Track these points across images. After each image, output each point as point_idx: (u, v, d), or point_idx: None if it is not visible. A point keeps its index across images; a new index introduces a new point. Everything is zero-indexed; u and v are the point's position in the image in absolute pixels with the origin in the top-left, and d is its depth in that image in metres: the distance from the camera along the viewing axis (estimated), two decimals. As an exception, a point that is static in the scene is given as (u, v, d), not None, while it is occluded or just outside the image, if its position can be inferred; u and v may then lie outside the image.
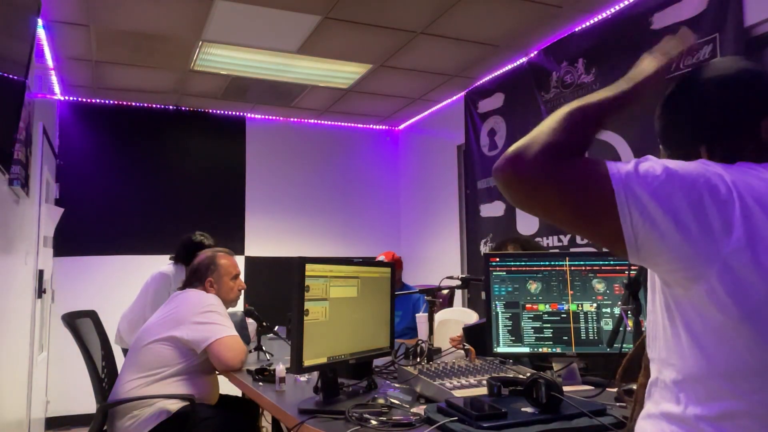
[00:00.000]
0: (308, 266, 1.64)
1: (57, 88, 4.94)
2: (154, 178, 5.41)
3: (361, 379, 1.88)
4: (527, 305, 1.96)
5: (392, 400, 1.61)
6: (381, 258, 3.92)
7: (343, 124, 6.09)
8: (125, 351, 2.75)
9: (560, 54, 3.98)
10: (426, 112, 5.74)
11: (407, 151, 6.21)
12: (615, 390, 1.58)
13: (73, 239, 4.97)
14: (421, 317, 2.75)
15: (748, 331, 0.80)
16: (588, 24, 3.76)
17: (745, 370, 0.81)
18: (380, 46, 4.11)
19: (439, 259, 5.48)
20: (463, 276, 2.56)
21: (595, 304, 1.93)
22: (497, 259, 2.00)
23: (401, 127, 6.26)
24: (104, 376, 2.53)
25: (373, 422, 1.40)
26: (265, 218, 5.75)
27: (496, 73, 4.64)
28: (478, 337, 2.18)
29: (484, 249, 4.69)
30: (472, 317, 3.54)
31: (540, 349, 1.94)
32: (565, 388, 1.49)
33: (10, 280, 3.10)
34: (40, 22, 3.55)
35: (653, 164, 0.86)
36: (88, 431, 2.39)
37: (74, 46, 4.07)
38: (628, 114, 0.98)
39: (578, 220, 0.90)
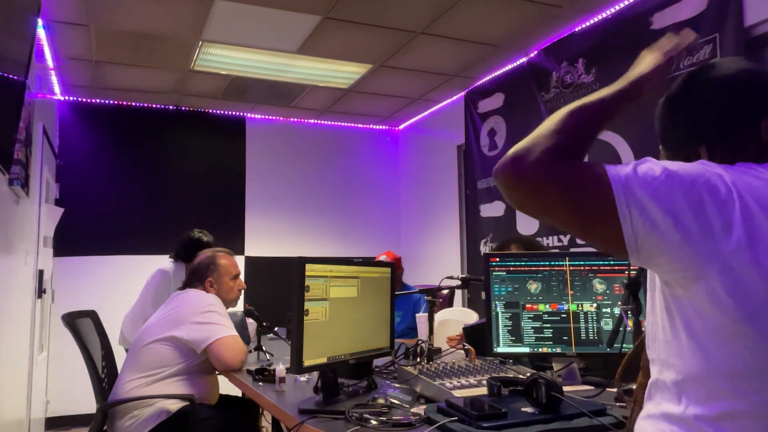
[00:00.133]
0: (308, 266, 1.64)
1: (57, 88, 4.94)
2: (154, 178, 5.41)
3: (361, 379, 1.88)
4: (527, 305, 1.96)
5: (392, 400, 1.61)
6: (382, 258, 3.92)
7: (343, 124, 6.09)
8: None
9: (560, 54, 3.98)
10: (426, 112, 5.74)
11: (407, 151, 6.21)
12: (615, 390, 1.58)
13: (73, 239, 4.97)
14: (421, 317, 2.75)
15: (748, 331, 0.80)
16: (588, 24, 3.76)
17: (745, 371, 0.81)
18: (380, 46, 4.11)
19: (439, 259, 5.48)
20: (463, 276, 2.56)
21: (595, 304, 1.93)
22: (497, 259, 2.01)
23: (401, 127, 6.26)
24: (104, 376, 2.53)
25: (373, 422, 1.40)
26: (265, 218, 5.75)
27: (496, 73, 4.64)
28: (478, 337, 2.18)
29: (484, 249, 4.69)
30: (472, 317, 3.54)
31: (540, 349, 1.94)
32: (565, 388, 1.49)
33: (10, 280, 3.10)
34: (40, 22, 3.55)
35: (652, 165, 0.86)
36: (88, 431, 2.39)
37: (74, 46, 4.07)
38: (629, 113, 0.98)
39: (578, 222, 0.90)
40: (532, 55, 4.24)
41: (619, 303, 1.82)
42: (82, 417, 4.52)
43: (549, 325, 1.94)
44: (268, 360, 2.50)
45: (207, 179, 5.58)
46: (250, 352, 2.59)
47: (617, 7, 3.53)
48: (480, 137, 4.83)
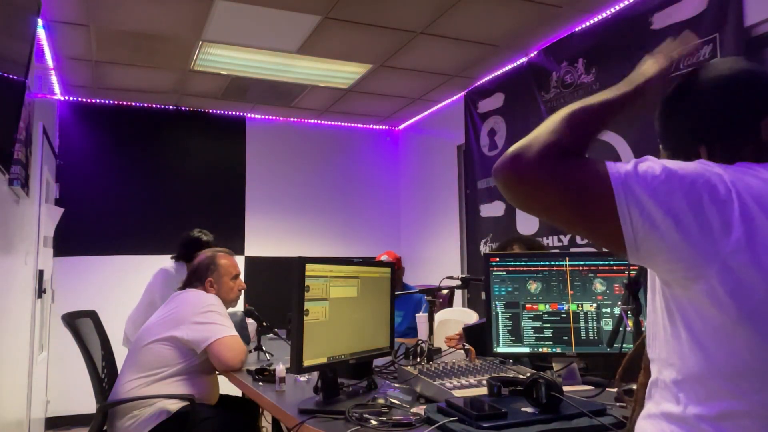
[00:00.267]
0: (308, 266, 1.64)
1: (57, 88, 4.94)
2: (154, 178, 5.41)
3: (361, 379, 1.88)
4: (527, 305, 1.96)
5: (392, 400, 1.61)
6: (384, 258, 3.92)
7: (343, 124, 6.09)
8: None
9: (560, 54, 3.98)
10: (426, 112, 5.74)
11: (407, 151, 6.21)
12: (615, 390, 1.58)
13: (73, 239, 4.97)
14: (421, 317, 2.75)
15: (748, 330, 0.80)
16: (588, 24, 3.76)
17: (746, 370, 0.81)
18: (380, 46, 4.11)
19: (439, 259, 5.48)
20: (463, 276, 2.56)
21: (595, 304, 1.93)
22: (497, 259, 2.00)
23: (401, 127, 6.26)
24: (104, 376, 2.53)
25: (373, 422, 1.40)
26: (265, 218, 5.75)
27: (496, 73, 4.64)
28: (478, 337, 2.18)
29: (484, 249, 4.69)
30: (472, 317, 3.54)
31: (540, 349, 1.94)
32: (565, 388, 1.49)
33: (10, 280, 3.10)
34: (40, 22, 3.55)
35: (652, 164, 0.86)
36: (88, 431, 2.39)
37: (74, 46, 4.07)
38: (630, 116, 0.98)
39: (578, 220, 0.90)
40: (532, 55, 4.24)
41: (619, 303, 1.82)
42: (82, 417, 4.52)
43: (549, 325, 1.94)
44: (268, 360, 2.50)
45: (207, 179, 5.58)
46: (250, 352, 2.59)
47: (617, 7, 3.53)
48: (480, 137, 4.83)
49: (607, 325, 1.91)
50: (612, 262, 1.94)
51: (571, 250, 3.77)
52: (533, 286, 1.96)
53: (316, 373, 1.83)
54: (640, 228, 0.83)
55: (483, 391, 1.58)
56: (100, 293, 4.86)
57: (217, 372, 2.44)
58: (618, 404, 1.54)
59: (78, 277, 5.00)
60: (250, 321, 2.96)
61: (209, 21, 3.71)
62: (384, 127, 6.27)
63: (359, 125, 6.17)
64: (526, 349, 1.94)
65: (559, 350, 1.92)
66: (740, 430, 0.81)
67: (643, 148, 3.27)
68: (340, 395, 1.72)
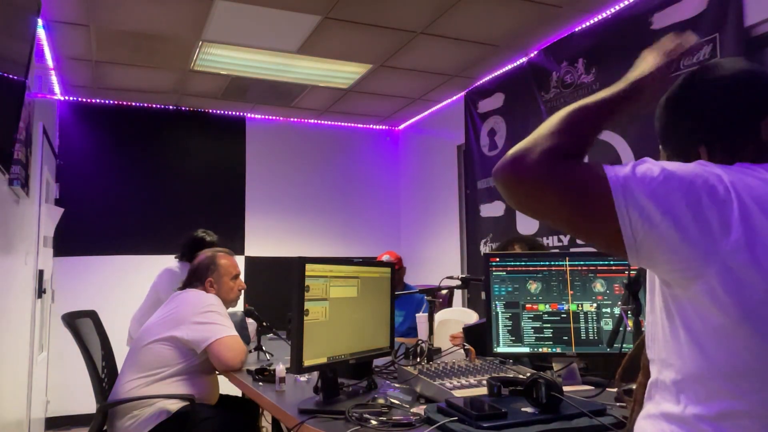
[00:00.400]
0: (308, 266, 1.64)
1: (57, 88, 4.94)
2: (154, 178, 5.41)
3: (361, 379, 1.88)
4: (527, 305, 1.96)
5: (392, 400, 1.61)
6: (385, 257, 3.92)
7: (343, 124, 6.09)
8: None
9: (560, 54, 3.98)
10: (426, 112, 5.74)
11: (407, 151, 6.21)
12: (615, 390, 1.58)
13: (73, 239, 4.97)
14: (421, 317, 2.75)
15: (748, 331, 0.80)
16: (588, 24, 3.76)
17: (745, 370, 0.81)
18: (380, 46, 4.11)
19: (439, 259, 5.48)
20: (463, 276, 2.56)
21: (595, 304, 1.93)
22: (497, 259, 2.01)
23: (401, 127, 6.26)
24: (104, 376, 2.53)
25: (373, 422, 1.40)
26: (265, 218, 5.75)
27: (496, 73, 4.64)
28: (478, 337, 2.18)
29: (484, 249, 4.70)
30: (472, 317, 3.54)
31: (540, 349, 1.94)
32: (565, 388, 1.49)
33: (10, 280, 3.10)
34: (40, 22, 3.55)
35: (651, 166, 0.86)
36: (87, 431, 2.39)
37: (74, 46, 4.07)
38: (629, 114, 0.98)
39: (577, 222, 0.90)
40: (532, 55, 4.24)
41: (619, 303, 1.82)
42: (82, 417, 4.52)
43: (549, 325, 1.94)
44: (268, 360, 2.50)
45: (207, 179, 5.58)
46: (250, 352, 2.59)
47: (617, 7, 3.53)
48: (480, 137, 4.83)
49: (607, 325, 1.91)
50: (612, 263, 1.94)
51: (571, 250, 3.77)
52: (533, 286, 1.96)
53: (316, 373, 1.83)
54: (639, 229, 0.84)
55: (483, 391, 1.58)
56: (100, 293, 4.86)
57: (217, 372, 2.44)
58: (618, 404, 1.54)
59: (78, 277, 5.00)
60: (250, 321, 2.96)
61: (209, 21, 3.71)
62: (384, 127, 6.27)
63: (359, 125, 6.17)
64: (526, 349, 1.94)
65: (559, 350, 1.92)
66: (740, 430, 0.81)
67: (643, 148, 3.27)
68: (340, 395, 1.72)
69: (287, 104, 5.44)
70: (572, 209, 0.88)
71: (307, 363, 1.60)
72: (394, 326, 2.05)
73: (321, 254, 5.78)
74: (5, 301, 2.98)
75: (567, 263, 1.96)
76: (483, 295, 2.09)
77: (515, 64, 4.43)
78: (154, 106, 5.44)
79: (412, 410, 1.50)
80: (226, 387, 2.53)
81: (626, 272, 1.84)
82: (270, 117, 5.83)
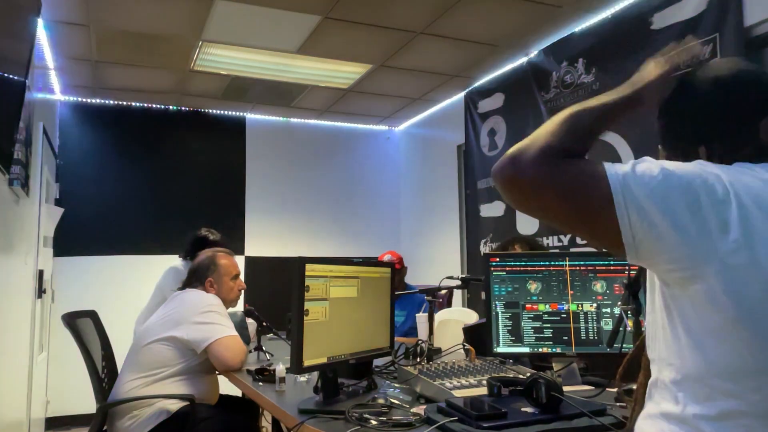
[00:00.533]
0: (308, 266, 1.64)
1: (57, 88, 4.94)
2: (154, 178, 5.41)
3: (361, 379, 1.88)
4: (527, 305, 1.96)
5: (392, 400, 1.61)
6: (387, 257, 3.92)
7: (343, 124, 6.09)
8: None
9: (560, 54, 3.98)
10: (426, 112, 5.74)
11: (407, 151, 6.21)
12: (615, 390, 1.58)
13: (73, 239, 4.97)
14: (421, 317, 2.74)
15: (747, 330, 0.80)
16: (588, 24, 3.76)
17: (744, 370, 0.81)
18: (380, 46, 4.11)
19: (439, 259, 5.48)
20: (463, 276, 2.56)
21: (595, 304, 1.93)
22: (497, 259, 2.01)
23: (401, 127, 6.26)
24: (104, 376, 2.53)
25: (373, 422, 1.40)
26: (265, 218, 5.75)
27: (496, 73, 4.64)
28: (478, 337, 2.18)
29: (484, 249, 4.69)
30: (472, 317, 3.53)
31: (540, 349, 1.94)
32: (565, 388, 1.49)
33: (10, 280, 3.10)
34: (40, 22, 3.55)
35: (650, 165, 0.86)
36: (87, 431, 2.39)
37: (74, 46, 4.07)
38: (630, 119, 0.98)
39: (577, 221, 0.90)
40: (532, 55, 4.24)
41: (619, 303, 1.82)
42: (82, 417, 4.52)
43: (549, 325, 1.94)
44: (268, 360, 2.50)
45: (207, 179, 5.58)
46: (250, 352, 2.59)
47: (617, 7, 3.53)
48: (480, 137, 4.83)
49: (607, 325, 1.91)
50: (612, 262, 1.94)
51: (571, 250, 3.77)
52: (533, 286, 1.96)
53: (316, 373, 1.83)
54: (638, 228, 0.84)
55: (483, 391, 1.58)
56: (100, 293, 4.86)
57: (217, 372, 2.44)
58: (618, 404, 1.54)
59: (78, 277, 5.00)
60: (250, 321, 2.96)
61: (209, 21, 3.71)
62: (384, 127, 6.27)
63: (359, 125, 6.17)
64: (526, 349, 1.94)
65: (559, 350, 1.92)
66: (739, 429, 0.81)
67: (643, 149, 3.27)
68: (340, 395, 1.72)
69: (287, 104, 5.44)
70: (571, 208, 0.88)
71: (307, 363, 1.60)
72: (394, 326, 2.04)
73: (321, 254, 5.77)
74: (5, 301, 2.98)
75: (567, 263, 1.96)
76: (483, 295, 2.09)
77: (515, 64, 4.43)
78: (154, 106, 5.44)
79: (412, 410, 1.50)
80: (226, 387, 2.53)
81: (626, 272, 1.84)
82: (270, 117, 5.83)
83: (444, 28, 3.82)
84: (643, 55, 1.05)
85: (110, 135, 5.30)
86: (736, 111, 0.96)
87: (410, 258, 5.68)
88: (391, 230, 6.17)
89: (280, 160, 5.86)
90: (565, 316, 1.93)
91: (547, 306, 1.95)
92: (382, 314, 1.98)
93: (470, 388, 1.65)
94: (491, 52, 4.24)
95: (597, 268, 1.95)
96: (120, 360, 2.61)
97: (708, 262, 0.81)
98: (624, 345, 1.62)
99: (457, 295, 4.59)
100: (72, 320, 2.44)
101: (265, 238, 5.72)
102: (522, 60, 4.34)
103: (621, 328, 1.64)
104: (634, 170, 0.86)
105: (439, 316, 2.82)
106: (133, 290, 4.84)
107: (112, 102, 5.30)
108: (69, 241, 4.94)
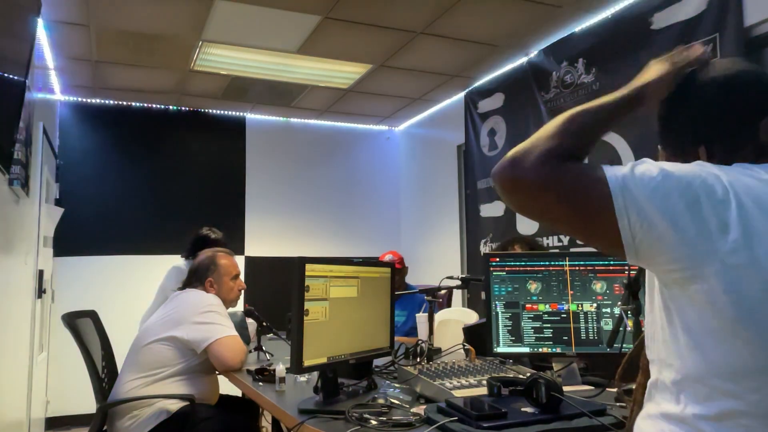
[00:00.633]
0: (308, 266, 1.64)
1: (57, 88, 4.94)
2: (154, 178, 5.41)
3: (361, 379, 1.88)
4: (527, 305, 1.96)
5: (392, 400, 1.61)
6: (388, 257, 3.92)
7: (343, 124, 6.09)
8: None
9: (560, 54, 3.98)
10: (426, 112, 5.74)
11: (407, 151, 6.21)
12: (615, 390, 1.58)
13: (73, 239, 4.97)
14: (421, 317, 2.75)
15: (747, 330, 0.80)
16: (588, 24, 3.76)
17: (744, 370, 0.81)
18: (380, 46, 4.11)
19: (439, 259, 5.48)
20: (463, 276, 2.56)
21: (595, 304, 1.93)
22: (497, 259, 2.01)
23: (401, 127, 6.26)
24: (104, 376, 2.53)
25: (373, 422, 1.40)
26: (265, 218, 5.75)
27: (496, 73, 4.64)
28: (478, 337, 2.18)
29: (484, 249, 4.70)
30: (472, 317, 3.53)
31: (540, 349, 1.94)
32: (565, 388, 1.49)
33: (10, 280, 3.10)
34: (40, 22, 3.55)
35: (650, 166, 0.86)
36: (87, 431, 2.39)
37: (74, 46, 4.07)
38: (631, 119, 0.98)
39: (576, 223, 0.90)
40: (532, 55, 4.24)
41: (619, 303, 1.82)
42: (82, 417, 4.52)
43: (549, 325, 1.94)
44: (268, 360, 2.50)
45: (207, 179, 5.58)
46: (250, 352, 2.59)
47: (617, 7, 3.53)
48: (480, 137, 4.83)
49: (607, 325, 1.91)
50: (612, 263, 1.94)
51: (571, 250, 3.77)
52: (533, 286, 1.96)
53: (316, 373, 1.83)
54: (638, 229, 0.84)
55: (483, 391, 1.58)
56: (100, 293, 4.86)
57: (217, 372, 2.44)
58: (618, 404, 1.54)
59: (78, 277, 5.00)
60: (250, 321, 2.96)
61: (209, 21, 3.71)
62: (384, 127, 6.27)
63: (359, 125, 6.17)
64: (526, 349, 1.94)
65: (559, 350, 1.92)
66: (739, 429, 0.81)
67: (643, 149, 3.27)
68: (340, 395, 1.72)
69: (287, 104, 5.44)
70: (571, 210, 0.88)
71: (307, 363, 1.60)
72: (394, 326, 2.05)
73: (321, 254, 5.77)
74: (5, 301, 2.98)
75: (567, 263, 1.96)
76: (483, 295, 2.09)
77: (515, 64, 4.43)
78: (154, 106, 5.44)
79: (412, 410, 1.50)
80: (226, 387, 2.53)
81: (626, 272, 1.84)
82: (270, 117, 5.83)
83: (444, 28, 3.82)
84: (643, 55, 1.06)
85: (110, 135, 5.30)
86: (736, 111, 0.96)
87: (410, 258, 5.67)
88: (391, 230, 6.18)
89: (280, 160, 5.86)
90: (565, 316, 1.93)
91: (547, 306, 1.95)
92: (382, 314, 1.98)
93: (470, 388, 1.65)
94: (491, 52, 4.24)
95: (597, 268, 1.95)
96: (120, 360, 2.61)
97: (708, 262, 0.81)
98: (624, 345, 1.62)
99: (457, 295, 4.59)
100: (72, 320, 2.44)
101: (265, 238, 5.72)
102: (522, 60, 4.34)
103: (621, 328, 1.64)
104: (633, 172, 0.86)
105: (439, 316, 2.83)
106: (133, 290, 4.84)
107: (112, 102, 5.30)
108: (69, 241, 4.94)
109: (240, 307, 3.02)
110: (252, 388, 1.97)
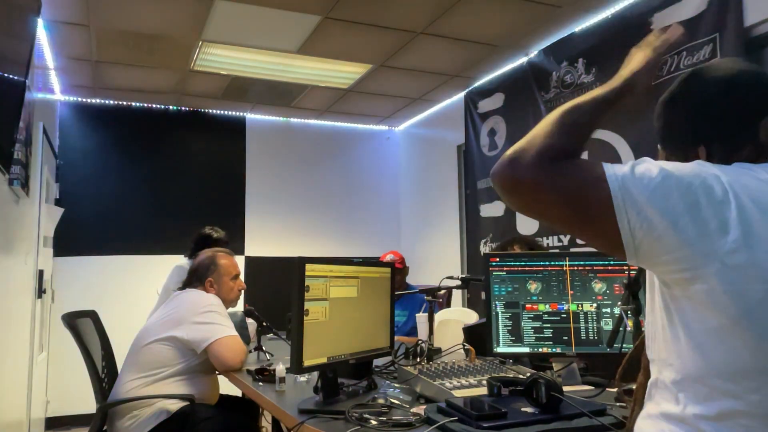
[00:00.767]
0: (308, 266, 1.64)
1: (57, 88, 4.94)
2: (154, 178, 5.41)
3: (361, 379, 1.88)
4: (527, 305, 1.96)
5: (392, 400, 1.61)
6: (389, 257, 3.92)
7: (343, 124, 6.09)
8: None
9: (560, 54, 3.98)
10: (426, 112, 5.74)
11: (407, 151, 6.21)
12: (615, 390, 1.58)
13: (73, 239, 4.97)
14: (421, 317, 2.74)
15: (747, 330, 0.80)
16: (588, 24, 3.76)
17: (744, 370, 0.81)
18: (380, 46, 4.11)
19: (439, 259, 5.48)
20: (463, 276, 2.56)
21: (595, 304, 1.93)
22: (497, 259, 2.00)
23: (401, 127, 6.26)
24: (104, 376, 2.53)
25: (373, 422, 1.40)
26: (265, 218, 5.75)
27: (496, 73, 4.64)
28: (478, 337, 2.18)
29: (484, 249, 4.69)
30: (472, 317, 3.53)
31: (540, 349, 1.94)
32: (565, 388, 1.49)
33: (10, 280, 3.10)
34: (40, 22, 3.55)
35: (649, 166, 0.86)
36: (87, 431, 2.39)
37: (74, 46, 4.07)
38: (622, 110, 0.98)
39: (576, 223, 0.90)
40: (532, 55, 4.24)
41: (619, 303, 1.82)
42: (82, 417, 4.52)
43: (549, 325, 1.94)
44: (268, 360, 2.50)
45: (207, 179, 5.58)
46: (250, 352, 2.59)
47: (617, 7, 3.53)
48: (480, 137, 4.83)
49: (607, 325, 1.91)
50: (612, 262, 1.94)
51: (571, 250, 3.77)
52: (533, 286, 1.96)
53: (316, 373, 1.83)
54: (637, 230, 0.84)
55: (483, 391, 1.58)
56: (100, 293, 4.86)
57: (217, 372, 2.44)
58: (618, 404, 1.54)
59: (78, 277, 5.00)
60: (250, 321, 2.96)
61: (209, 21, 3.71)
62: (384, 127, 6.27)
63: (359, 125, 6.17)
64: (526, 349, 1.94)
65: (559, 350, 1.92)
66: (739, 429, 0.81)
67: (643, 148, 3.27)
68: (340, 395, 1.72)
69: (287, 104, 5.44)
70: (571, 210, 0.88)
71: (307, 363, 1.60)
72: (394, 326, 2.05)
73: (321, 254, 5.77)
74: (5, 301, 2.98)
75: (567, 263, 1.96)
76: (483, 295, 2.09)
77: (515, 64, 4.43)
78: (154, 106, 5.44)
79: (412, 410, 1.50)
80: (226, 387, 2.53)
81: (626, 272, 1.84)
82: (270, 117, 5.83)
83: (444, 28, 3.82)
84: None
85: (110, 135, 5.30)
86: (735, 111, 0.96)
87: (410, 258, 5.67)
88: (391, 230, 6.18)
89: (280, 160, 5.86)
90: (565, 316, 1.93)
91: (547, 306, 1.95)
92: (382, 314, 1.98)
93: (470, 388, 1.65)
94: (491, 52, 4.24)
95: (597, 268, 1.95)
96: (120, 360, 2.61)
97: (708, 262, 0.81)
98: (624, 345, 1.62)
99: (457, 295, 4.59)
100: (72, 320, 2.43)
101: (265, 238, 5.72)
102: (522, 60, 4.34)
103: (621, 328, 1.64)
104: (633, 171, 0.86)
105: (439, 316, 2.82)
106: (133, 290, 4.85)
107: (112, 102, 5.30)
108: (69, 241, 4.94)
109: (240, 307, 3.02)
110: (252, 388, 1.97)
